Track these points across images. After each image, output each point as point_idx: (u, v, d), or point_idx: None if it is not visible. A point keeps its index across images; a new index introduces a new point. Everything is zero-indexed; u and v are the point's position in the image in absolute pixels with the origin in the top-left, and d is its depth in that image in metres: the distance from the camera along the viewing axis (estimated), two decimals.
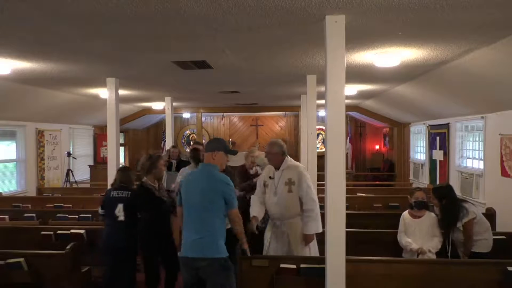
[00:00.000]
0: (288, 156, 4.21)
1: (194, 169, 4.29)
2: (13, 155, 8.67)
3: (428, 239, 4.22)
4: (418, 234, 4.24)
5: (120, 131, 8.48)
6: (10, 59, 4.91)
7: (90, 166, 11.63)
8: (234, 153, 3.82)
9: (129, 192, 4.26)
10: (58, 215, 5.91)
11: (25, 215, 5.99)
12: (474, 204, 4.65)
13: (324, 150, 3.52)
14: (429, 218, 4.32)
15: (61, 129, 10.09)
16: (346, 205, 3.48)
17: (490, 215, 5.09)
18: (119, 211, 4.21)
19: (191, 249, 3.25)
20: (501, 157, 6.18)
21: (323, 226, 3.50)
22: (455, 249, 4.25)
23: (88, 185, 10.74)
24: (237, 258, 3.78)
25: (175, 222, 4.24)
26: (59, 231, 4.75)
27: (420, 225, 4.27)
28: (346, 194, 3.46)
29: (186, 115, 14.64)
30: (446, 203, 4.20)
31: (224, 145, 3.52)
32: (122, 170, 4.62)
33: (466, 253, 4.13)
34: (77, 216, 5.82)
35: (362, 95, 9.15)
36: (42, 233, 4.75)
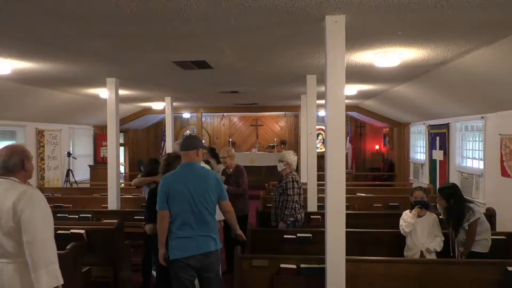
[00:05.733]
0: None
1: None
2: None
3: (430, 239, 4.24)
4: (420, 232, 4.26)
5: (120, 131, 8.47)
6: (10, 59, 4.91)
7: (90, 166, 11.63)
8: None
9: None
10: (58, 215, 5.89)
11: None
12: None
13: (324, 150, 3.52)
14: (431, 218, 4.34)
15: (61, 129, 10.09)
16: (346, 205, 3.48)
17: (490, 215, 5.08)
18: None
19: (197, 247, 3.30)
20: (501, 157, 6.18)
21: (324, 226, 3.49)
22: (454, 248, 4.26)
23: (88, 185, 10.74)
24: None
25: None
26: (59, 231, 4.72)
27: (422, 224, 4.29)
28: (346, 194, 3.46)
29: (186, 115, 14.64)
30: (454, 203, 4.19)
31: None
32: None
33: (465, 252, 4.13)
34: (77, 216, 5.82)
35: (362, 95, 9.15)
36: None
